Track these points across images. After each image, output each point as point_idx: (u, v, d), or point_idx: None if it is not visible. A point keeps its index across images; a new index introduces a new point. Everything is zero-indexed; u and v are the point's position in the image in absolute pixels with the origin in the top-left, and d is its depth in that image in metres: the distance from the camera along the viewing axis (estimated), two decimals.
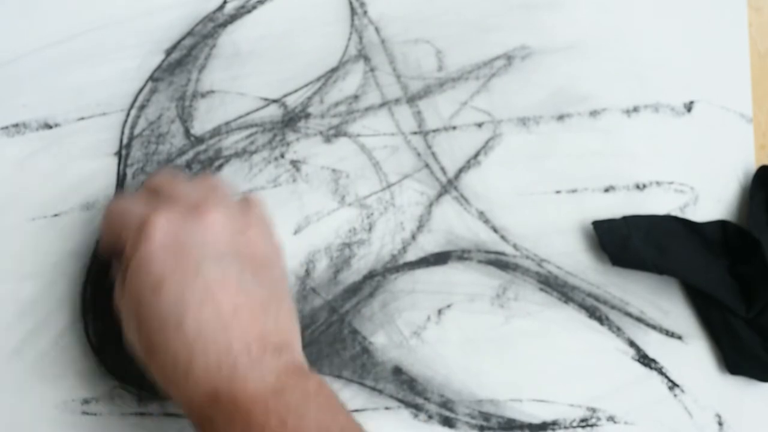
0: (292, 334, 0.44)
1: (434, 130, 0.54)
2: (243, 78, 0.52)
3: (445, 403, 0.53)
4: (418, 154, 0.54)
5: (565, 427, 0.54)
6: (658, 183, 0.56)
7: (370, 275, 0.53)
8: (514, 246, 0.55)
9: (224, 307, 0.41)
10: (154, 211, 0.43)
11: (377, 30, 0.54)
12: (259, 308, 0.42)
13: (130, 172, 0.51)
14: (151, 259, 0.42)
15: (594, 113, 0.56)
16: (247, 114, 0.52)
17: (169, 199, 0.44)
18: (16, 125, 0.50)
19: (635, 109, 0.56)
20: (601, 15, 0.57)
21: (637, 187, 0.56)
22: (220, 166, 0.52)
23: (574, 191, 0.56)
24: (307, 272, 0.53)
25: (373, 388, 0.53)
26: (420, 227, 0.54)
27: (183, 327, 0.41)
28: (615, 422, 0.55)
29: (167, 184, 0.46)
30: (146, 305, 0.41)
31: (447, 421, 0.53)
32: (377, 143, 0.54)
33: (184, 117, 0.52)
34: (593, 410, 0.55)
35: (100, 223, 0.47)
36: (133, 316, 0.42)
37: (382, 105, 0.54)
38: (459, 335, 0.54)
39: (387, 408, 0.53)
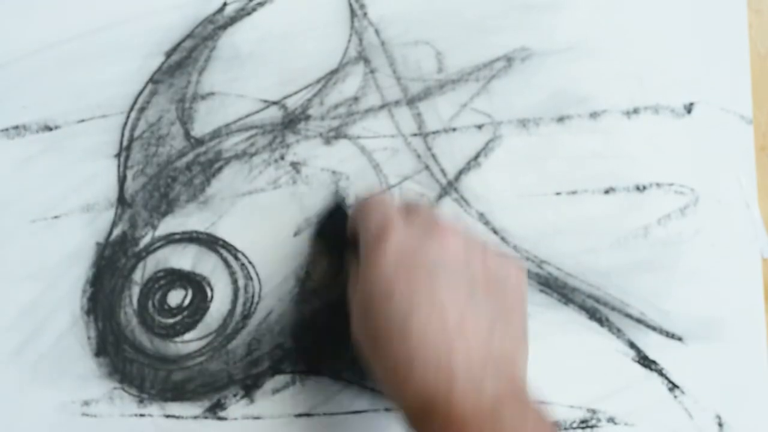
0: (516, 358, 0.44)
1: (434, 132, 0.54)
2: (243, 80, 0.52)
3: None
4: (418, 156, 0.54)
5: (565, 429, 0.54)
6: (658, 184, 0.56)
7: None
8: (515, 247, 0.55)
9: (450, 320, 0.42)
10: (394, 220, 0.44)
11: (377, 32, 0.54)
12: (485, 326, 0.43)
13: (130, 174, 0.51)
14: (386, 268, 0.43)
15: (594, 115, 0.56)
16: (247, 116, 0.52)
17: (416, 215, 0.46)
18: (16, 127, 0.50)
19: (635, 111, 0.56)
20: (601, 16, 0.57)
21: (637, 188, 0.56)
22: (220, 168, 0.52)
23: (574, 193, 0.56)
24: (308, 274, 0.53)
25: (374, 389, 0.53)
26: None
27: (408, 333, 0.41)
28: (615, 424, 0.55)
29: (424, 206, 0.48)
30: (375, 309, 0.42)
31: None
32: (377, 145, 0.54)
33: (184, 119, 0.52)
34: (593, 411, 0.55)
35: (352, 210, 0.49)
36: (362, 315, 0.44)
37: (382, 107, 0.54)
38: None
39: (387, 409, 0.53)
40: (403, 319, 0.41)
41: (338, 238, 0.50)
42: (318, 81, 0.53)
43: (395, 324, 0.42)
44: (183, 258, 0.51)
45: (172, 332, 0.51)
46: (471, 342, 0.42)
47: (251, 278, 0.52)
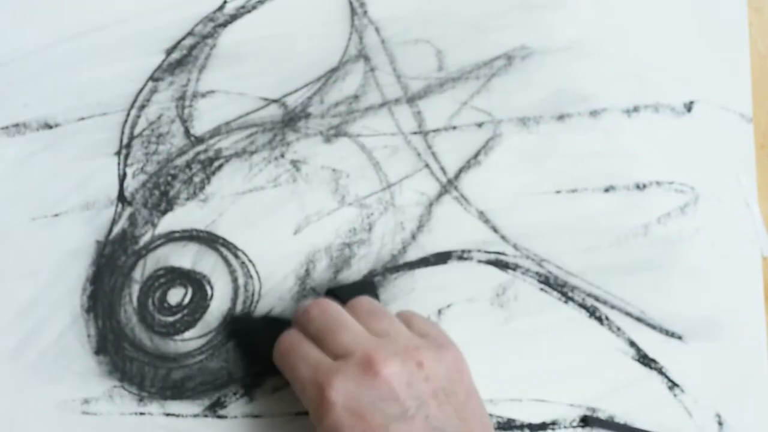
0: None
1: (434, 130, 0.54)
2: (243, 78, 0.52)
3: None
4: (418, 154, 0.54)
5: (565, 427, 0.54)
6: (658, 183, 0.56)
7: (370, 275, 0.53)
8: (514, 246, 0.55)
9: None
10: (326, 374, 0.44)
11: (377, 30, 0.54)
12: None
13: (130, 171, 0.51)
14: (340, 426, 0.43)
15: (594, 113, 0.56)
16: (247, 114, 0.52)
17: (338, 352, 0.45)
18: (16, 125, 0.50)
19: (635, 109, 0.56)
20: (601, 15, 0.57)
21: (637, 187, 0.56)
22: (220, 166, 0.52)
23: (574, 191, 0.56)
24: (307, 272, 0.53)
25: None
26: (420, 227, 0.54)
27: None
28: (615, 422, 0.55)
29: (325, 329, 0.46)
30: None
31: None
32: (377, 143, 0.54)
33: (185, 117, 0.52)
34: (593, 410, 0.55)
35: (275, 356, 0.48)
36: None
37: (382, 105, 0.54)
38: (459, 335, 0.54)
39: None
40: None
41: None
42: (318, 79, 0.53)
43: None
44: (183, 256, 0.51)
45: (172, 330, 0.51)
46: None
47: (251, 276, 0.52)
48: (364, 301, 0.49)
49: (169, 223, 0.51)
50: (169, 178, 0.52)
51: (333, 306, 0.47)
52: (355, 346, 0.45)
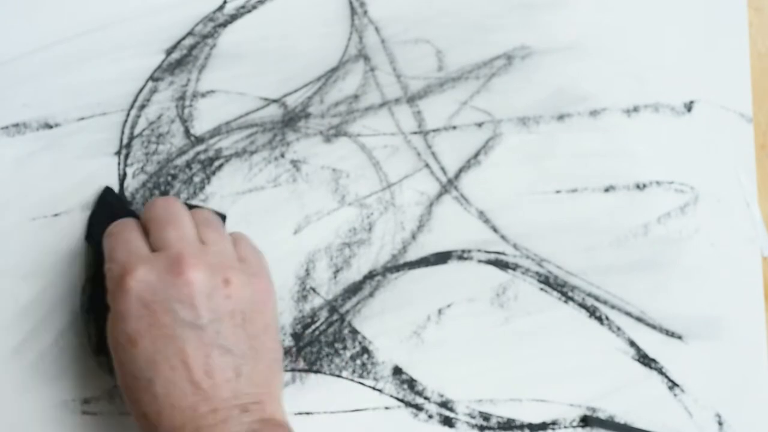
0: (268, 390, 0.45)
1: (434, 130, 0.54)
2: (243, 78, 0.52)
3: (445, 403, 0.53)
4: (418, 154, 0.54)
5: (565, 427, 0.54)
6: (658, 183, 0.56)
7: (370, 275, 0.53)
8: (514, 246, 0.55)
9: (195, 371, 0.43)
10: (134, 262, 0.44)
11: (377, 30, 0.54)
12: (232, 370, 0.43)
13: (130, 171, 0.51)
14: (128, 314, 0.43)
15: (594, 113, 0.56)
16: (247, 114, 0.52)
17: (158, 246, 0.45)
18: (16, 125, 0.50)
19: (635, 109, 0.56)
20: (601, 15, 0.57)
21: (637, 186, 0.56)
22: (220, 166, 0.52)
23: (574, 191, 0.56)
24: (307, 272, 0.53)
25: (373, 388, 0.53)
26: (420, 227, 0.54)
27: (153, 386, 0.42)
28: (615, 422, 0.55)
29: (159, 220, 0.46)
30: (123, 354, 0.43)
31: (447, 421, 0.53)
32: (377, 143, 0.54)
33: (185, 117, 0.52)
34: (593, 410, 0.55)
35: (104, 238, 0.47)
36: (114, 356, 0.44)
37: (382, 105, 0.54)
38: (459, 335, 0.54)
39: (387, 408, 0.53)
40: (148, 370, 0.43)
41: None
42: (318, 79, 0.53)
43: (143, 374, 0.43)
44: None
45: None
46: (216, 388, 0.43)
47: None
48: (207, 212, 0.49)
49: None
50: (169, 178, 0.52)
51: (178, 205, 0.47)
52: (174, 244, 0.45)
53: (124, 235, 0.46)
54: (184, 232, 0.46)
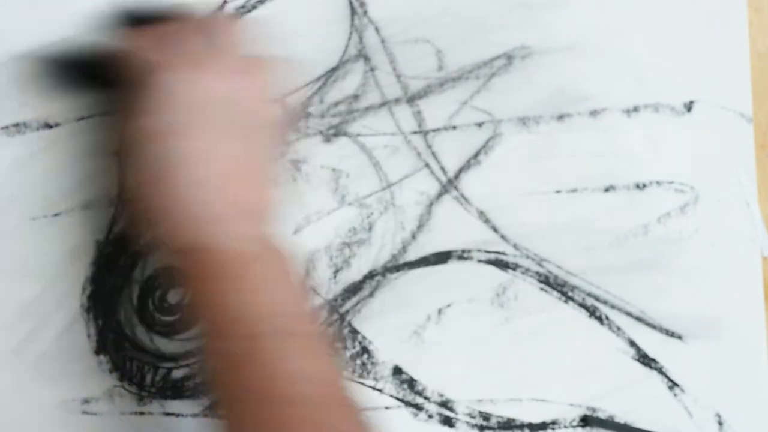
0: (268, 204, 0.45)
1: (434, 130, 0.54)
2: None
3: (445, 403, 0.53)
4: (418, 154, 0.54)
5: (565, 427, 0.54)
6: (658, 183, 0.56)
7: (370, 275, 0.53)
8: (515, 246, 0.55)
9: (212, 171, 0.43)
10: (158, 61, 0.44)
11: (377, 30, 0.54)
12: (242, 175, 0.44)
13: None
14: (148, 111, 0.43)
15: (594, 113, 0.56)
16: None
17: (175, 47, 0.45)
18: (16, 125, 0.50)
19: (635, 109, 0.56)
20: (601, 15, 0.57)
21: (637, 186, 0.56)
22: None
23: (574, 191, 0.56)
24: (307, 272, 0.53)
25: (373, 388, 0.53)
26: (420, 227, 0.54)
27: (171, 181, 0.43)
28: (615, 422, 0.55)
29: (178, 29, 0.46)
30: (142, 149, 0.43)
31: (447, 421, 0.53)
32: (377, 143, 0.54)
33: None
34: (593, 410, 0.55)
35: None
36: (131, 156, 0.44)
37: (382, 105, 0.54)
38: (459, 335, 0.54)
39: (387, 407, 0.53)
40: (166, 166, 0.43)
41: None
42: (318, 79, 0.53)
43: (160, 170, 0.43)
44: None
45: (172, 330, 0.51)
46: (228, 190, 0.43)
47: None
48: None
49: None
50: None
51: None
52: (191, 47, 0.45)
53: (141, 39, 0.46)
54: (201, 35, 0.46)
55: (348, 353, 0.53)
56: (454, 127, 0.55)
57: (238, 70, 0.45)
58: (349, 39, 0.54)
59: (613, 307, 0.55)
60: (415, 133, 0.54)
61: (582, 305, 0.55)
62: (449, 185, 0.54)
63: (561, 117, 0.56)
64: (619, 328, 0.55)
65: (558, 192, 0.55)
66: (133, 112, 0.44)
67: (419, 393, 0.53)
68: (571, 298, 0.55)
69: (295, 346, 0.41)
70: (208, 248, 0.42)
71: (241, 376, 0.41)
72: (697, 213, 0.57)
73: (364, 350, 0.53)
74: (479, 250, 0.54)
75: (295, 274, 0.44)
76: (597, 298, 0.55)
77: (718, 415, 0.56)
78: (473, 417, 0.53)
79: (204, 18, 0.48)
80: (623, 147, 0.56)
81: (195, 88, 0.43)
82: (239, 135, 0.44)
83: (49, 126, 0.50)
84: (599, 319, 0.55)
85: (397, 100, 0.54)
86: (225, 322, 0.42)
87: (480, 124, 0.55)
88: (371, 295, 0.53)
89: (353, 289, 0.53)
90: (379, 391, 0.53)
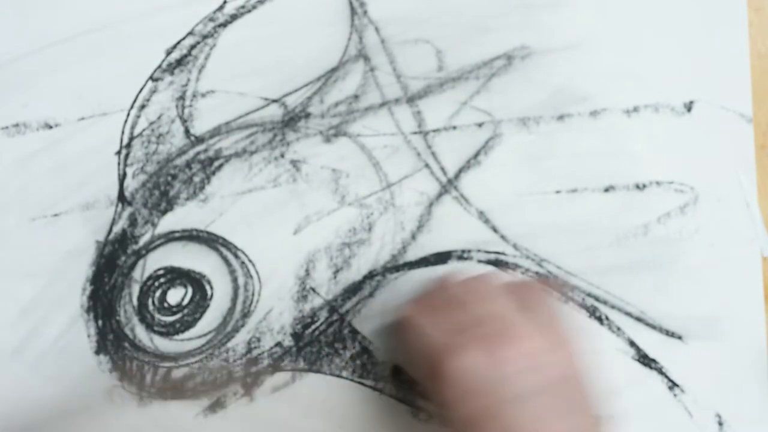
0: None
1: (434, 130, 0.54)
2: (243, 78, 0.52)
3: None
4: (418, 154, 0.54)
5: None
6: (658, 183, 0.56)
7: (370, 275, 0.53)
8: (514, 246, 0.55)
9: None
10: (450, 348, 0.43)
11: (377, 30, 0.54)
12: None
13: (130, 171, 0.51)
14: (456, 405, 0.42)
15: (594, 113, 0.56)
16: (247, 114, 0.52)
17: (463, 325, 0.44)
18: (16, 125, 0.50)
19: (635, 109, 0.56)
20: (601, 15, 0.57)
21: (637, 186, 0.56)
22: (220, 166, 0.52)
23: (574, 191, 0.56)
24: (307, 272, 0.53)
25: (373, 388, 0.53)
26: (420, 227, 0.54)
27: None
28: (615, 422, 0.55)
29: (453, 299, 0.46)
30: None
31: None
32: (377, 143, 0.54)
33: (185, 117, 0.52)
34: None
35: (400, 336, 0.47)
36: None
37: (382, 105, 0.54)
38: None
39: (387, 408, 0.53)
40: None
41: None
42: (318, 79, 0.53)
43: None
44: (183, 256, 0.51)
45: (172, 330, 0.51)
46: None
47: (251, 276, 0.52)
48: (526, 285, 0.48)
49: (169, 223, 0.51)
50: (169, 178, 0.52)
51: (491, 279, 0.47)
52: (479, 322, 0.44)
53: (424, 319, 0.45)
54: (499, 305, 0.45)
55: (348, 353, 0.53)
56: (454, 127, 0.55)
57: (537, 324, 0.44)
58: (349, 39, 0.54)
59: (613, 307, 0.55)
60: (415, 133, 0.54)
61: (582, 305, 0.55)
62: (449, 185, 0.54)
63: (561, 117, 0.56)
64: (619, 329, 0.55)
65: (558, 192, 0.55)
66: (440, 406, 0.43)
67: (419, 393, 0.53)
68: (571, 298, 0.55)
69: None
70: None
71: None
72: (697, 213, 0.57)
73: (364, 350, 0.53)
74: (479, 251, 0.54)
75: None
76: (597, 298, 0.55)
77: (718, 416, 0.56)
78: None
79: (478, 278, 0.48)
80: (623, 147, 0.56)
81: (494, 369, 0.42)
82: (557, 395, 0.43)
83: (49, 126, 0.50)
84: (599, 319, 0.55)
85: (397, 101, 0.54)
86: None
87: (480, 125, 0.55)
88: (371, 295, 0.53)
89: (353, 289, 0.53)
90: (379, 391, 0.53)
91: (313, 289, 0.53)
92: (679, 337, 0.56)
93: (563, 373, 0.44)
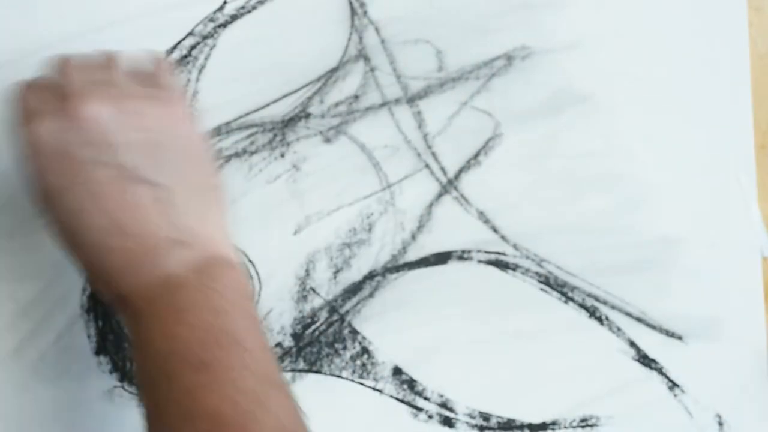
0: (206, 223, 0.42)
1: (434, 130, 0.54)
2: (243, 78, 0.52)
3: (445, 403, 0.53)
4: (418, 155, 0.54)
5: (565, 427, 0.54)
6: (658, 183, 0.56)
7: (370, 275, 0.53)
8: (514, 246, 0.55)
9: (114, 212, 0.40)
10: (33, 117, 0.41)
11: (377, 30, 0.54)
12: (154, 201, 0.41)
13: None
14: (42, 171, 0.41)
15: (594, 113, 0.56)
16: (247, 114, 0.52)
17: (51, 95, 0.42)
18: None
19: (635, 109, 0.56)
20: (601, 15, 0.57)
21: (637, 187, 0.56)
22: (220, 166, 0.52)
23: (574, 191, 0.56)
24: (307, 272, 0.53)
25: (373, 388, 0.53)
26: (420, 227, 0.54)
27: (80, 237, 0.41)
28: (615, 422, 0.55)
29: (58, 73, 0.43)
30: (50, 210, 0.42)
31: (447, 421, 0.53)
32: (377, 143, 0.54)
33: None
34: (593, 410, 0.55)
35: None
36: (44, 215, 0.43)
37: (382, 105, 0.54)
38: (459, 335, 0.54)
39: (387, 408, 0.53)
40: (73, 222, 0.41)
41: None
42: (318, 79, 0.53)
43: (68, 227, 0.41)
44: None
45: None
46: (144, 227, 0.40)
47: (251, 276, 0.52)
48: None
49: None
50: None
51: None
52: (64, 87, 0.42)
53: (27, 90, 0.43)
54: (78, 72, 0.43)
55: (348, 353, 0.53)
56: (454, 128, 0.55)
57: (126, 90, 0.42)
58: (349, 39, 0.54)
59: (613, 307, 0.55)
60: (415, 133, 0.54)
61: (582, 306, 0.55)
62: (449, 186, 0.54)
63: (561, 117, 0.56)
64: (619, 329, 0.55)
65: (558, 192, 0.55)
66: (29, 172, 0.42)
67: (419, 393, 0.53)
68: (571, 299, 0.55)
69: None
70: (127, 294, 0.41)
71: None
72: (697, 213, 0.57)
73: (364, 350, 0.53)
74: (479, 251, 0.54)
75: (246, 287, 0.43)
76: (597, 299, 0.55)
77: (718, 416, 0.56)
78: (473, 417, 0.53)
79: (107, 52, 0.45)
80: (623, 147, 0.56)
81: (74, 130, 0.41)
82: (144, 160, 0.41)
83: None
84: (599, 319, 0.55)
85: (397, 101, 0.54)
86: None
87: (480, 125, 0.55)
88: (371, 295, 0.53)
89: (353, 290, 0.53)
90: (379, 391, 0.53)
91: (313, 290, 0.53)
92: (679, 338, 0.56)
93: (157, 139, 0.42)
